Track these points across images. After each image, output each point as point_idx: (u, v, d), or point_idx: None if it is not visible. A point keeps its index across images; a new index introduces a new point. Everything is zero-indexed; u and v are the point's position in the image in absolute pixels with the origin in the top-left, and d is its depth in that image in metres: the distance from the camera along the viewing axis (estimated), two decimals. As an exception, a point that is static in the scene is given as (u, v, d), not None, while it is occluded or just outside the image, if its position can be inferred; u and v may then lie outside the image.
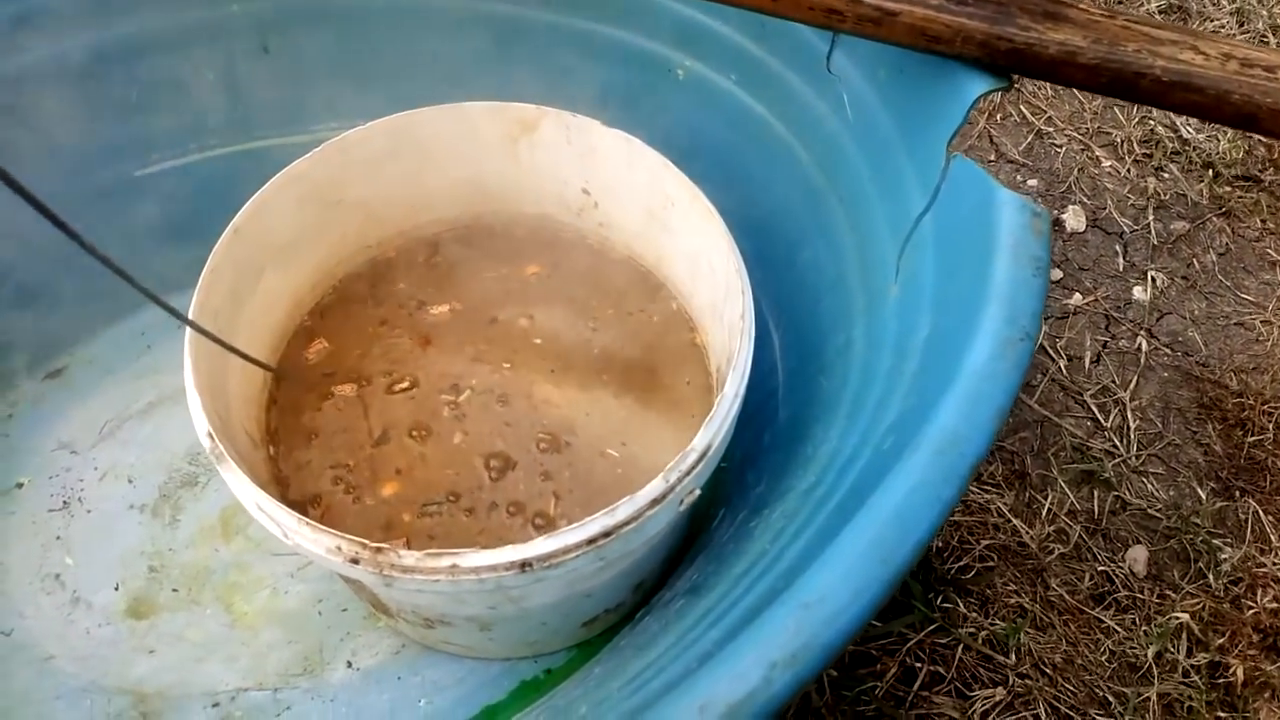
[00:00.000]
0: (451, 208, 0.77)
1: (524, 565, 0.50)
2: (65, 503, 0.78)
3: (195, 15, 0.76)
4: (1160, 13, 1.21)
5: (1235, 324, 0.95)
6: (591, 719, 0.46)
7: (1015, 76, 0.55)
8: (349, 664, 0.71)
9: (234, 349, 0.58)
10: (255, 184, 0.64)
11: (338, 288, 0.74)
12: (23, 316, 0.82)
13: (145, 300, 0.89)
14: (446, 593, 0.51)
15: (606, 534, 0.51)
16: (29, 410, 0.82)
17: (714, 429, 0.55)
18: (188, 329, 0.58)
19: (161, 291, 0.88)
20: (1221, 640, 0.73)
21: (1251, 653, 0.72)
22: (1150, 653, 0.72)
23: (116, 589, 0.74)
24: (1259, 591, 0.76)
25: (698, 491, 0.56)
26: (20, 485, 0.78)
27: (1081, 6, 0.53)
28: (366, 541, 0.49)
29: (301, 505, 0.64)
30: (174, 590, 0.74)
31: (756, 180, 0.75)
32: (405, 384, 0.69)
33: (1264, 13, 1.22)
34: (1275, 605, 0.75)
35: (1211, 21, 1.21)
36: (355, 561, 0.50)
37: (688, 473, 0.54)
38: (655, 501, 0.52)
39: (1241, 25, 1.21)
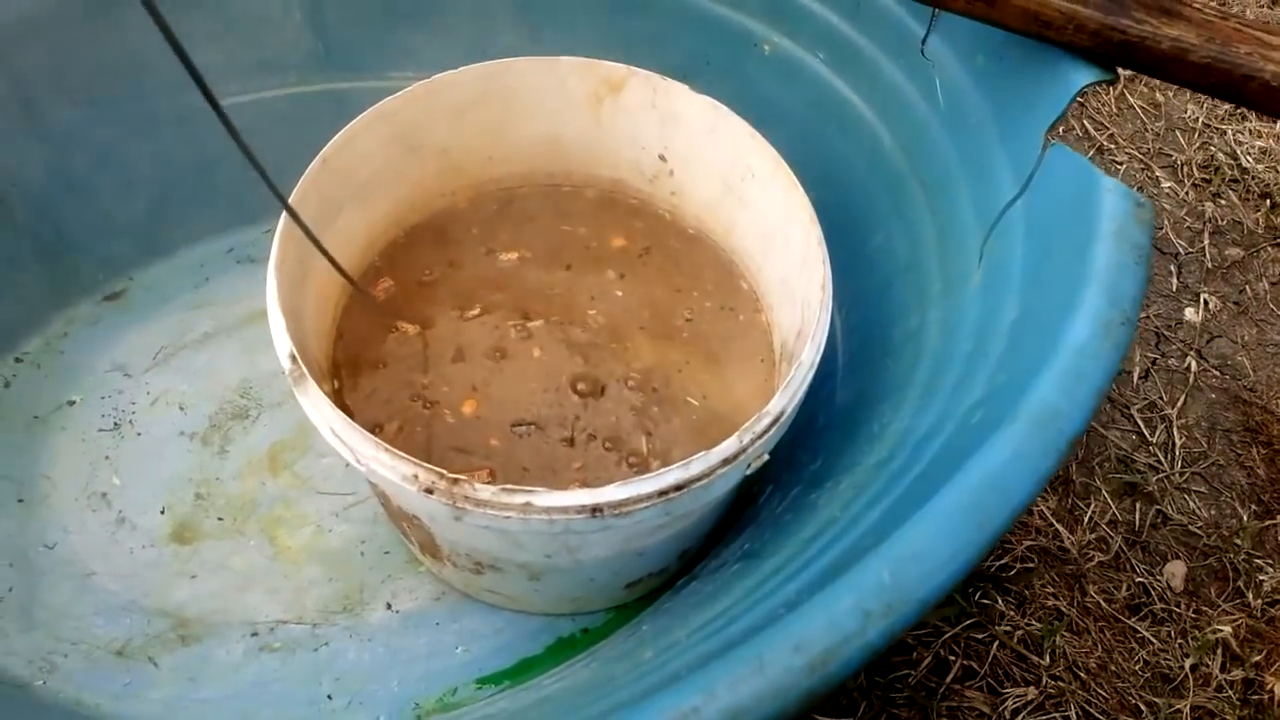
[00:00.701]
0: (527, 163, 0.77)
1: (595, 510, 0.50)
2: (116, 424, 0.78)
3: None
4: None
5: (1285, 353, 0.95)
6: (659, 661, 0.46)
7: (1118, 71, 0.56)
8: (388, 606, 0.71)
9: (330, 259, 0.58)
10: (329, 125, 0.64)
11: (410, 231, 0.74)
12: (88, 235, 0.82)
13: (206, 232, 0.90)
14: (513, 531, 0.51)
15: (679, 487, 0.51)
16: (85, 330, 0.82)
17: (789, 395, 0.55)
18: (274, 246, 0.58)
19: (225, 227, 0.89)
20: (1258, 658, 0.73)
21: (1290, 672, 0.72)
22: (1187, 664, 0.72)
23: (162, 513, 0.74)
24: (1299, 613, 0.76)
25: (766, 456, 0.56)
26: (72, 403, 0.79)
27: (1196, 5, 0.54)
28: (444, 471, 0.50)
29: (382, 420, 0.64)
30: (219, 519, 0.74)
31: (835, 161, 0.75)
32: (477, 311, 0.69)
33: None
34: (1314, 629, 0.75)
35: None
36: (430, 491, 0.50)
37: (760, 435, 0.54)
38: (727, 460, 0.53)
39: None
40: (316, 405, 0.53)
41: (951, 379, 0.55)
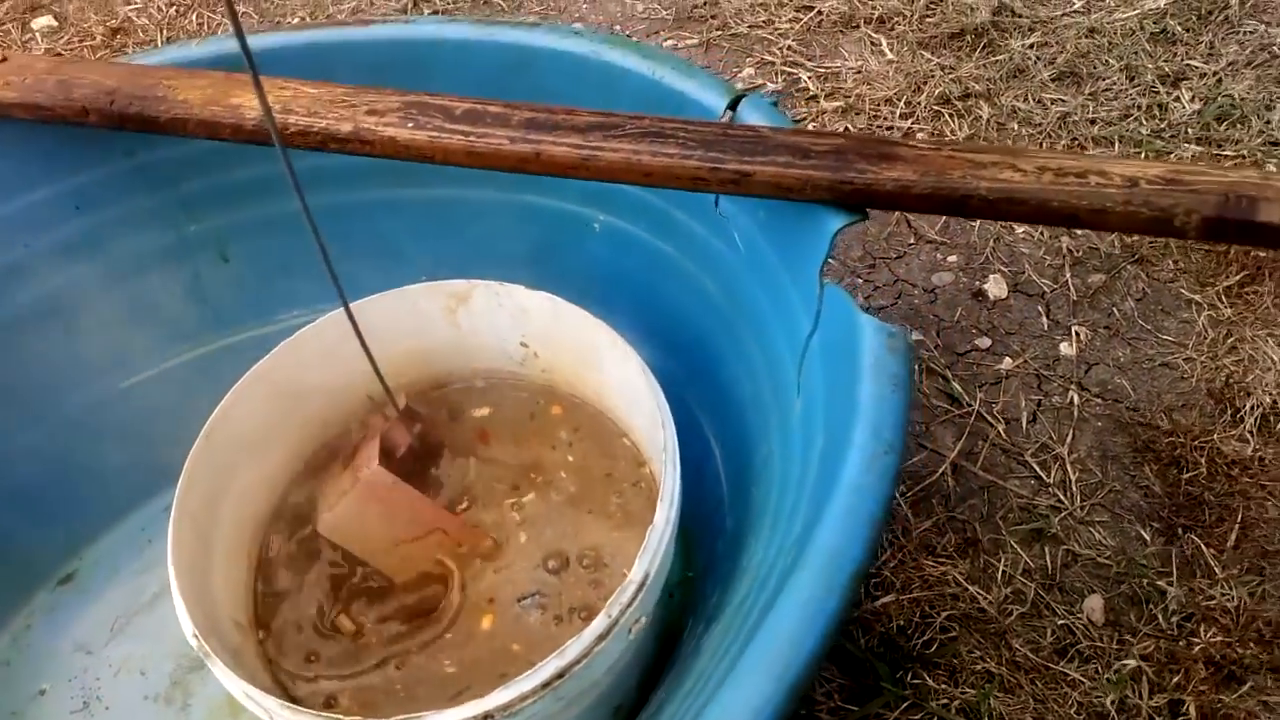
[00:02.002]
0: (406, 375, 0.84)
1: (486, 717, 0.55)
2: (85, 703, 0.83)
3: (160, 241, 0.85)
4: (1053, 80, 1.30)
5: (1160, 365, 1.01)
6: None
7: (867, 210, 0.63)
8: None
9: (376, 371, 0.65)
10: (230, 377, 0.72)
11: (311, 469, 0.80)
12: (33, 529, 0.89)
13: (141, 497, 0.96)
14: (425, 749, 0.56)
15: (560, 675, 0.56)
16: (46, 618, 0.88)
17: (648, 559, 0.60)
18: (169, 534, 0.64)
19: (158, 488, 0.95)
20: (1177, 678, 0.77)
21: (1204, 688, 0.75)
22: (1108, 701, 0.76)
23: (138, 780, 0.78)
24: (1206, 625, 0.80)
25: (644, 619, 0.61)
26: (43, 692, 0.84)
27: (911, 144, 0.61)
28: (340, 718, 0.55)
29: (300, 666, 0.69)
30: (192, 772, 0.78)
31: (677, 310, 0.82)
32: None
33: (1151, 65, 1.31)
34: (1224, 637, 0.78)
35: (1103, 80, 1.30)
36: (336, 733, 0.55)
37: (629, 604, 0.59)
38: (601, 636, 0.58)
39: (1132, 80, 1.30)
40: (225, 676, 0.58)
41: (788, 508, 0.61)
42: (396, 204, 0.87)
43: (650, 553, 0.61)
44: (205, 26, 1.43)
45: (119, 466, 0.91)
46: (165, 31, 1.43)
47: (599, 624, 0.58)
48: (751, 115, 0.69)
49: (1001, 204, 0.59)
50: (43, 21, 1.44)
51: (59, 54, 1.40)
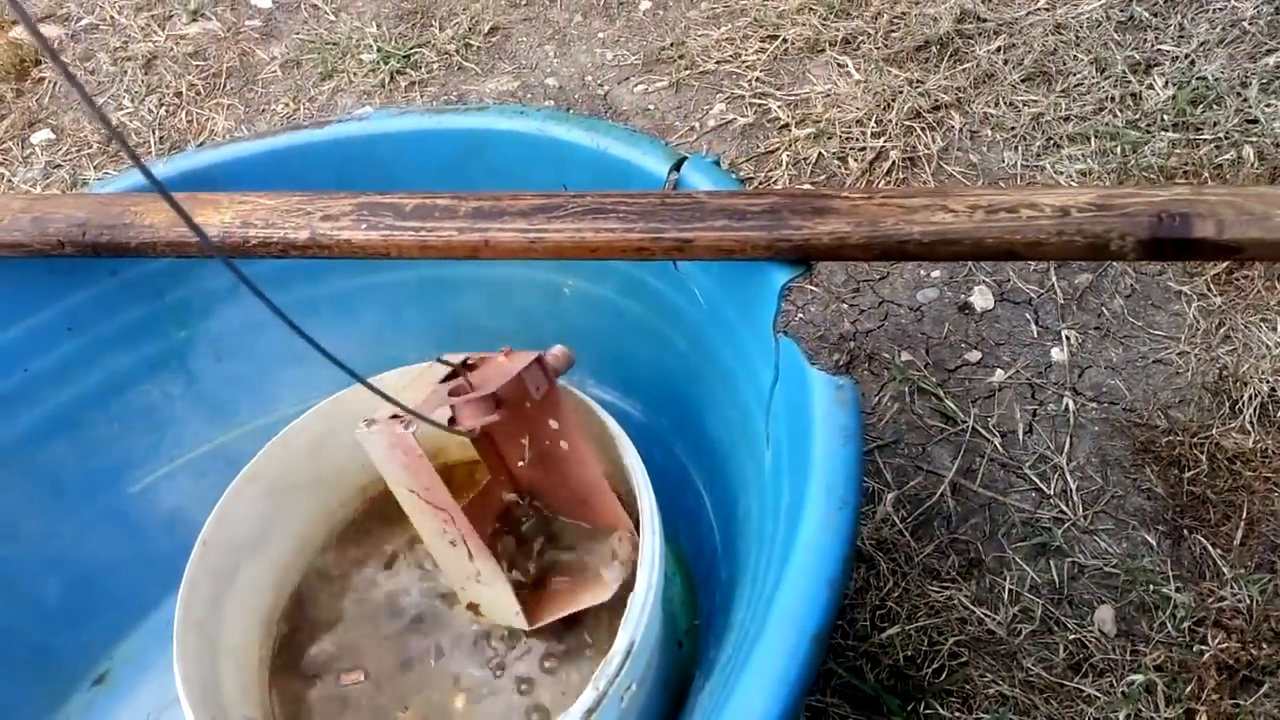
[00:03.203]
0: (399, 456, 0.86)
1: (484, 798, 0.56)
2: (123, 802, 0.86)
3: (152, 349, 0.88)
4: (1023, 81, 1.30)
5: (1154, 362, 1.00)
6: None
7: (810, 263, 0.64)
8: None
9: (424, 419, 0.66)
10: (234, 468, 0.75)
11: (312, 563, 0.83)
12: (63, 637, 0.92)
13: (167, 592, 0.99)
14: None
15: (553, 751, 0.58)
16: (81, 719, 0.91)
17: (631, 628, 0.61)
18: (174, 642, 0.67)
19: (178, 582, 0.98)
20: (1189, 687, 0.76)
21: (1215, 696, 0.74)
22: (1123, 715, 0.75)
23: None
24: (1217, 628, 0.79)
25: (634, 687, 0.62)
26: (81, 795, 0.87)
27: (844, 195, 0.62)
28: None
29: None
30: None
31: (653, 365, 0.84)
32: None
33: (1120, 55, 1.30)
34: (1237, 642, 0.77)
35: (1073, 76, 1.29)
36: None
37: (615, 675, 0.60)
38: (590, 710, 0.59)
39: (1103, 72, 1.29)
40: (233, 781, 0.60)
41: (764, 564, 0.62)
42: (373, 290, 0.90)
43: (634, 620, 0.62)
44: (194, 123, 1.48)
45: (138, 567, 0.94)
46: (157, 132, 1.48)
47: (587, 698, 0.59)
48: (695, 176, 0.71)
49: (938, 246, 0.59)
50: (41, 136, 1.50)
51: (58, 165, 1.46)
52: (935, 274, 1.13)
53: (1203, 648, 0.77)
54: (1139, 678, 0.76)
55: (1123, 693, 0.77)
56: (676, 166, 0.72)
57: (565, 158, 0.77)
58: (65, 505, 0.89)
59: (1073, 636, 0.82)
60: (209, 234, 0.68)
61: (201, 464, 0.94)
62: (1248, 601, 0.80)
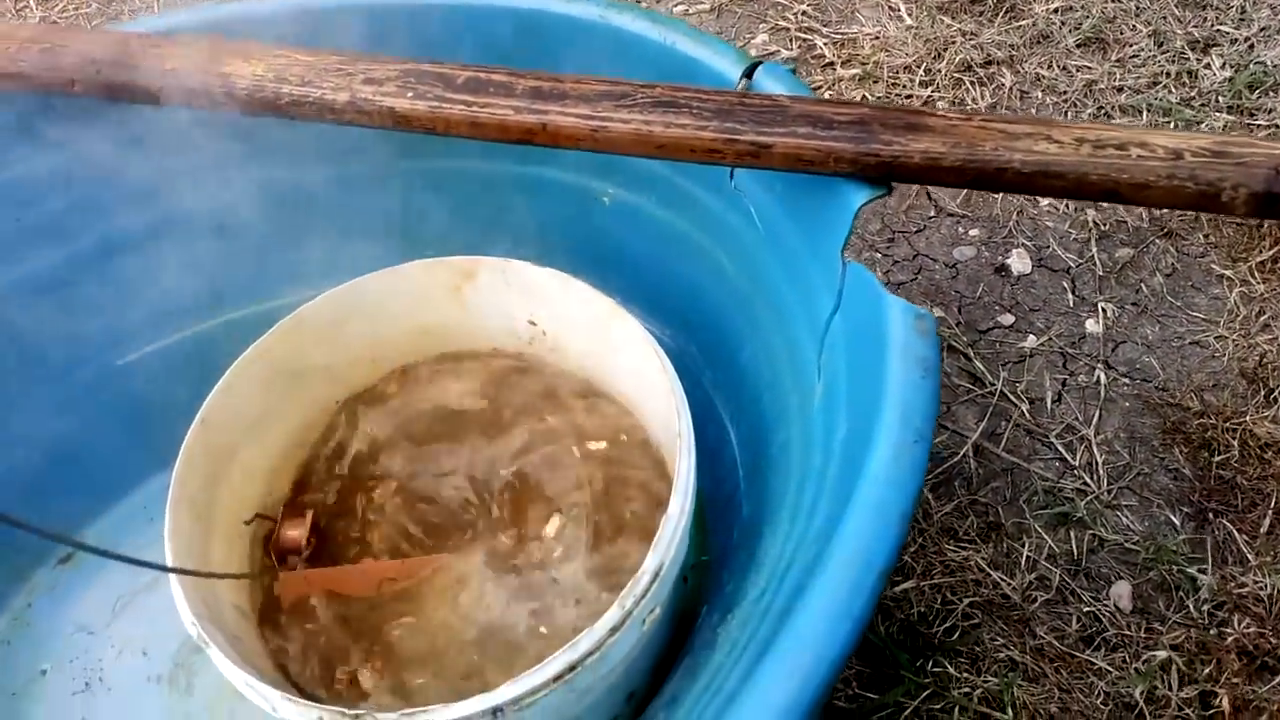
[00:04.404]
0: (411, 354, 0.81)
1: (495, 711, 0.53)
2: (87, 684, 0.81)
3: (153, 214, 0.82)
4: (1078, 46, 1.25)
5: (1190, 343, 0.97)
6: None
7: (891, 184, 0.59)
8: (366, 808, 0.73)
9: (215, 575, 0.62)
10: (231, 352, 0.70)
11: (314, 449, 0.78)
12: (31, 509, 0.87)
13: (145, 475, 0.94)
14: (429, 745, 0.54)
15: (571, 667, 0.54)
16: (46, 597, 0.86)
17: (662, 550, 0.58)
18: (166, 518, 0.62)
19: (161, 465, 0.93)
20: (1208, 669, 0.74)
21: (1236, 680, 0.73)
22: (1139, 692, 0.73)
23: (141, 765, 0.77)
24: (1240, 613, 0.77)
25: (659, 610, 0.59)
26: (44, 672, 0.82)
27: (939, 114, 0.58)
28: (344, 710, 0.53)
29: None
30: (194, 758, 0.77)
31: (692, 288, 0.79)
32: (395, 537, 0.73)
33: (1180, 30, 1.26)
34: (1257, 627, 0.76)
35: (1130, 46, 1.25)
36: (337, 730, 0.53)
37: (643, 595, 0.57)
38: (615, 629, 0.55)
39: (1160, 46, 1.25)
40: (225, 667, 0.56)
41: (808, 501, 0.58)
42: (399, 177, 0.84)
43: (664, 543, 0.58)
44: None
45: (118, 445, 0.89)
46: (165, -6, 1.39)
47: (612, 616, 0.55)
48: (769, 84, 0.66)
49: (1037, 178, 0.55)
50: (38, -13, 1.41)
51: (54, 22, 1.36)
52: (974, 233, 1.09)
53: (1226, 630, 0.76)
54: (1160, 653, 0.74)
55: (1137, 669, 0.76)
56: (749, 72, 0.67)
57: (627, 51, 0.71)
58: (47, 372, 0.83)
59: (1087, 609, 0.80)
60: (238, 86, 0.62)
61: (194, 344, 0.89)
62: (1270, 590, 0.78)
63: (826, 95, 1.22)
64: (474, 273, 0.74)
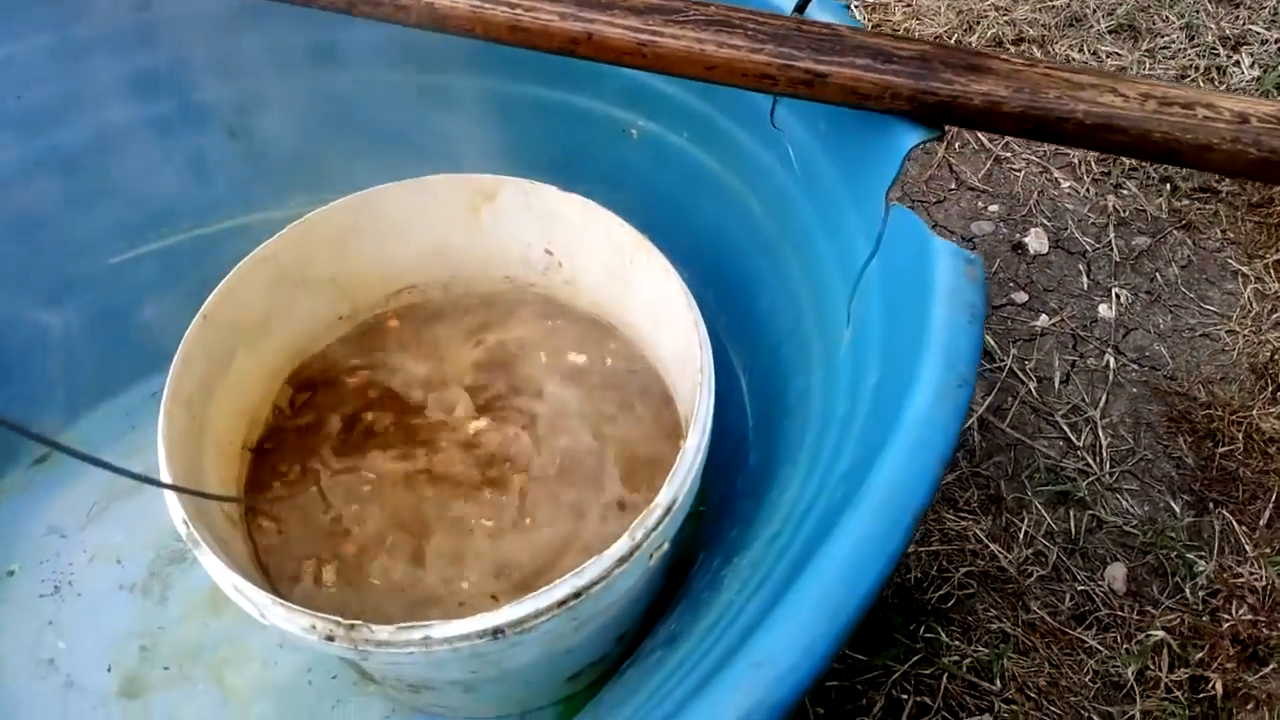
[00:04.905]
0: (420, 274, 0.78)
1: (496, 632, 0.51)
2: (56, 587, 0.79)
3: (160, 107, 0.78)
4: (1110, 33, 1.24)
5: (1201, 335, 0.97)
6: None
7: (944, 127, 0.57)
8: (341, 731, 0.72)
9: (204, 494, 0.59)
10: (230, 263, 0.67)
11: (311, 362, 0.75)
12: (7, 405, 0.83)
13: (129, 381, 0.91)
14: (423, 663, 0.52)
15: (576, 594, 0.53)
16: (17, 497, 0.83)
17: (677, 484, 0.56)
18: (160, 418, 0.59)
19: (146, 372, 0.90)
20: (1201, 654, 0.74)
21: (1230, 665, 0.73)
22: (1130, 671, 0.73)
23: (109, 670, 0.75)
24: (1235, 602, 0.77)
25: (666, 546, 0.57)
26: (11, 573, 0.80)
27: (1003, 57, 0.56)
28: (340, 619, 0.51)
29: (293, 569, 0.65)
30: (165, 668, 0.75)
31: (714, 231, 0.77)
32: (392, 451, 0.71)
33: (1212, 25, 1.24)
34: (1252, 616, 0.76)
35: (1161, 38, 1.24)
36: (330, 639, 0.51)
37: (653, 528, 0.55)
38: (623, 559, 0.54)
39: (1191, 39, 1.23)
40: (215, 569, 0.54)
41: (830, 446, 0.57)
42: (419, 91, 0.81)
43: (680, 478, 0.56)
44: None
45: (104, 347, 0.86)
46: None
47: (621, 546, 0.54)
48: (824, 16, 0.63)
49: (1099, 131, 0.53)
50: None
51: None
52: (993, 208, 1.07)
53: (1222, 616, 0.75)
54: (1157, 634, 0.74)
55: (1128, 649, 0.75)
56: (801, 6, 0.65)
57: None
58: (35, 264, 0.80)
59: (1081, 588, 0.80)
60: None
61: (194, 249, 0.85)
62: (1266, 581, 0.78)
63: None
64: (495, 193, 0.72)
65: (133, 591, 0.78)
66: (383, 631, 0.50)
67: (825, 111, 0.63)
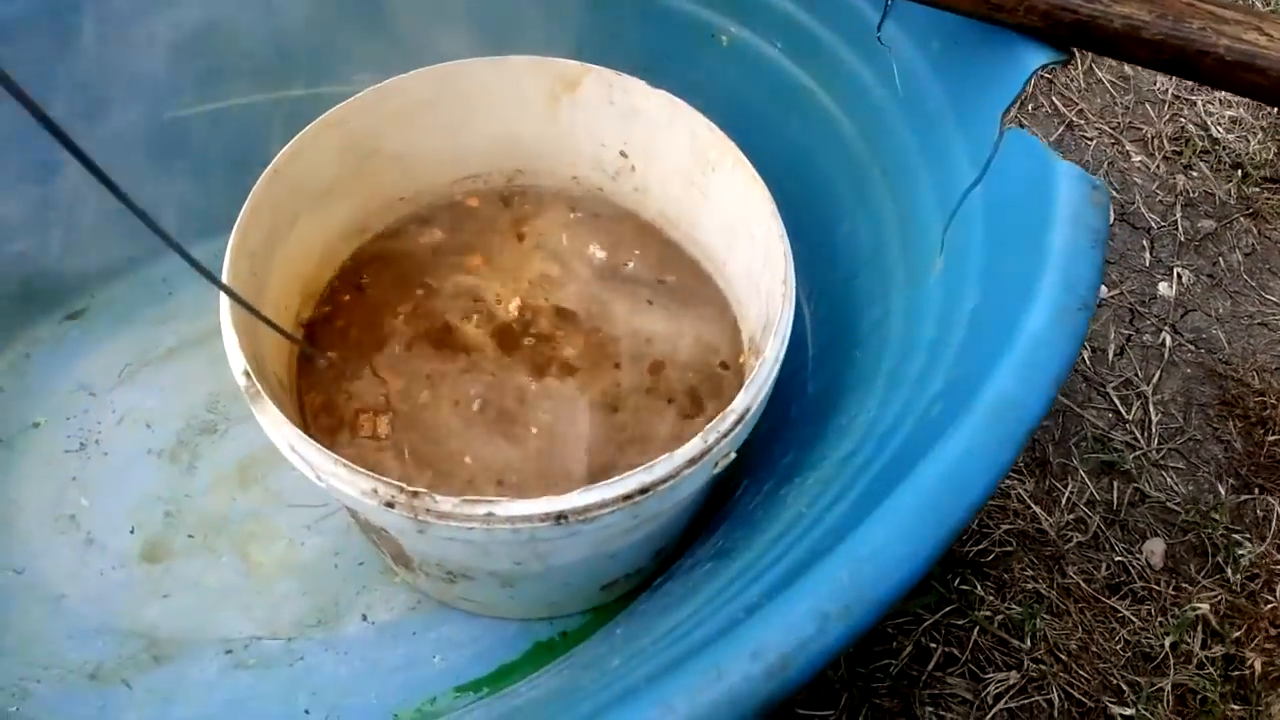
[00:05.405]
0: (487, 164, 0.76)
1: (560, 517, 0.50)
2: (82, 444, 0.77)
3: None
4: None
5: (1259, 324, 0.95)
6: (626, 670, 0.45)
7: (1074, 50, 0.55)
8: (364, 618, 0.70)
9: (264, 318, 0.56)
10: (289, 134, 0.64)
11: (372, 242, 0.73)
12: (45, 253, 0.81)
13: (166, 246, 0.88)
14: (479, 542, 0.51)
15: (644, 490, 0.51)
16: (48, 351, 0.81)
17: (754, 391, 0.54)
18: (225, 265, 0.57)
19: (194, 236, 0.87)
20: (1238, 634, 0.73)
21: (1268, 646, 0.72)
22: (1167, 643, 0.72)
23: (132, 532, 0.73)
24: (1277, 587, 0.76)
25: (733, 454, 0.56)
26: (37, 425, 0.78)
27: (1147, -19, 0.53)
28: (404, 485, 0.49)
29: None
30: (190, 536, 0.73)
31: (798, 152, 0.74)
32: (440, 343, 0.69)
33: (1298, 17, 1.21)
34: (1292, 602, 0.75)
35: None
36: (390, 505, 0.49)
37: (725, 434, 0.53)
38: (692, 461, 0.52)
39: (1275, 29, 1.20)
40: (273, 423, 0.52)
41: (915, 370, 0.55)
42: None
43: (757, 385, 0.55)
44: None
45: (146, 206, 0.82)
46: None
47: (692, 447, 0.52)
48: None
49: (1238, 69, 0.51)
50: None
51: None
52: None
53: (1264, 597, 0.74)
54: (1203, 606, 0.73)
55: (1161, 623, 0.75)
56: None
57: None
58: (87, 108, 0.76)
59: (1119, 559, 0.79)
60: None
61: (252, 115, 0.82)
62: (1308, 571, 0.78)
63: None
64: (578, 81, 0.69)
65: (160, 457, 0.77)
66: (446, 503, 0.49)
67: (940, 28, 0.60)
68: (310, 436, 0.53)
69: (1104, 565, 0.79)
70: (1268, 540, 0.80)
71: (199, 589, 0.71)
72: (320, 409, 0.65)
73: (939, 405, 0.48)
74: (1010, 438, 0.41)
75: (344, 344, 0.68)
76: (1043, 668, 0.73)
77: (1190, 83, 1.14)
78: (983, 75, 0.57)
